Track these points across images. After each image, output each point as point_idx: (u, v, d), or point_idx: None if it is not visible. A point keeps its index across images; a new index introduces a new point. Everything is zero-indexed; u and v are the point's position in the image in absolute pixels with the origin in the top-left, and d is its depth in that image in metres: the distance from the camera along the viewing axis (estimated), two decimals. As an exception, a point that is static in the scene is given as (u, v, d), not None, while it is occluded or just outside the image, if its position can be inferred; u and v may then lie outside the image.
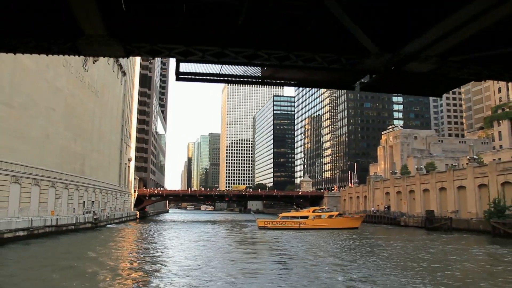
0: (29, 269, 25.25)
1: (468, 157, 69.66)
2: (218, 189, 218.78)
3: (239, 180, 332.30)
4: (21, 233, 40.09)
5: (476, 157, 70.29)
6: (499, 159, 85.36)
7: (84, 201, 64.98)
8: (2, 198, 41.64)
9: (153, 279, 22.83)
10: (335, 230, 61.08)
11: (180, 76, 8.35)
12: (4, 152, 41.58)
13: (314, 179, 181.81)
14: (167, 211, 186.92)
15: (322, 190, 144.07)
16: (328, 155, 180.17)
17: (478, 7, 5.93)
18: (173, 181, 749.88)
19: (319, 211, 68.97)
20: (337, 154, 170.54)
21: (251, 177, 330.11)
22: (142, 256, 33.33)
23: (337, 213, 71.85)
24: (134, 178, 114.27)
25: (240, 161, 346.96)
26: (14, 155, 43.40)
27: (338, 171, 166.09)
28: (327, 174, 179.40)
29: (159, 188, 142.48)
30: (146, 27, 6.49)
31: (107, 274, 23.58)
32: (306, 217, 66.36)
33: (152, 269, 26.16)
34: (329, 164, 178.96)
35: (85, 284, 20.61)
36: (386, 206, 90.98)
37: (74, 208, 60.13)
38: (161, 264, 28.17)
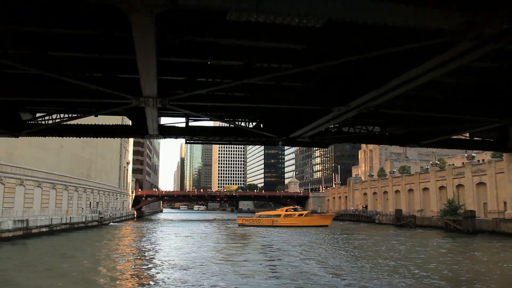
0: (76, 249, 33.51)
1: (431, 162, 78.64)
2: (210, 189, 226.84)
3: (231, 180, 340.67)
4: (44, 229, 48.07)
5: (438, 162, 79.26)
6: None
7: (90, 202, 72.86)
8: (29, 200, 49.68)
9: (159, 260, 31.07)
10: (305, 227, 67.48)
11: (187, 142, 16.66)
12: (30, 161, 49.62)
13: (302, 180, 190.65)
14: (162, 211, 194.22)
15: (309, 191, 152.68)
16: (316, 157, 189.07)
17: (325, 119, 14.09)
18: (166, 181, 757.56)
19: (291, 210, 76.79)
20: (325, 156, 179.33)
21: (243, 177, 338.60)
22: (147, 245, 41.62)
23: (307, 211, 79.82)
24: (132, 180, 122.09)
25: (232, 162, 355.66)
26: (37, 163, 51.40)
27: (324, 172, 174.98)
28: (315, 175, 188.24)
29: (154, 189, 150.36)
30: (174, 129, 14.85)
31: (126, 256, 31.90)
32: (279, 215, 74.41)
33: (156, 251, 34.55)
34: (317, 166, 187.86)
35: (118, 260, 28.89)
36: (364, 206, 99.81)
37: (82, 208, 67.97)
38: (166, 248, 36.65)
